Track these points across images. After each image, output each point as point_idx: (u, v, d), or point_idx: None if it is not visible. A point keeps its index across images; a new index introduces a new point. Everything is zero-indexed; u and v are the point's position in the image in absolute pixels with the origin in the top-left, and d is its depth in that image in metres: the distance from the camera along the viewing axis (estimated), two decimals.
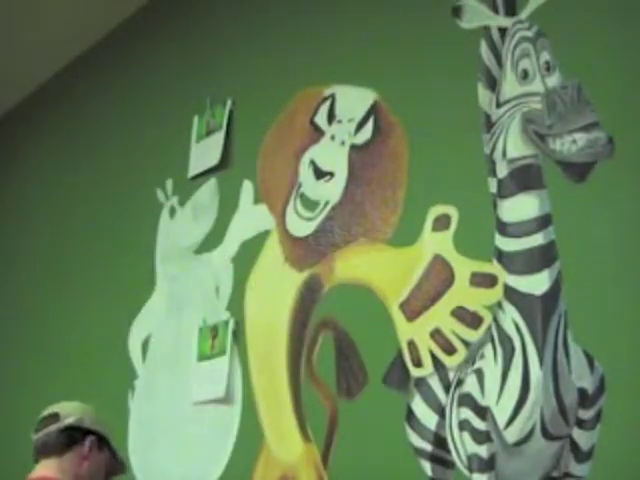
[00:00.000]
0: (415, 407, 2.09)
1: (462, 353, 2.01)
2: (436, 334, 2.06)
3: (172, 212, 2.99)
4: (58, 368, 3.51)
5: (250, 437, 2.50)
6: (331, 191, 2.39)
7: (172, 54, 3.23)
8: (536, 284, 1.89)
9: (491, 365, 1.95)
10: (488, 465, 1.91)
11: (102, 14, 3.42)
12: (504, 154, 2.00)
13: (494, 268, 1.97)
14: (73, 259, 3.52)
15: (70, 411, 2.15)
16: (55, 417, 2.13)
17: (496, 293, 1.96)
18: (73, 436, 2.11)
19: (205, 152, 2.89)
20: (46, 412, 2.17)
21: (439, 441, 2.03)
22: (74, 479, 2.07)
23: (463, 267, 2.04)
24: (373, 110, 2.33)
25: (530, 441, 1.85)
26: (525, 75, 1.99)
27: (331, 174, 2.40)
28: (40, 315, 3.73)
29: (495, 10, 2.10)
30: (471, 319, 2.00)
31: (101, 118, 3.57)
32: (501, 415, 1.90)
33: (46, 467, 2.10)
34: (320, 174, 2.44)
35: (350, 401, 2.26)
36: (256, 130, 2.71)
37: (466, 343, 2.00)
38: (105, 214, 3.39)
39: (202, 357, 2.64)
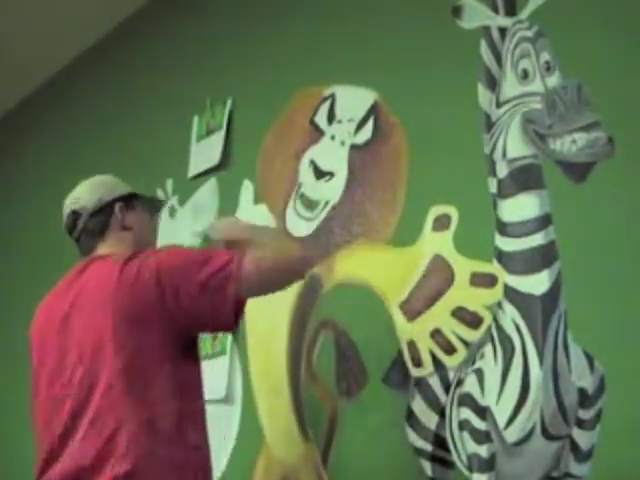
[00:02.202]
0: (415, 407, 2.09)
1: (462, 353, 2.01)
2: (436, 334, 2.06)
3: (172, 212, 2.99)
4: None
5: (250, 437, 2.50)
6: (331, 191, 2.39)
7: (172, 54, 3.23)
8: (536, 284, 1.89)
9: (491, 365, 1.95)
10: (488, 465, 1.91)
11: (102, 14, 3.42)
12: (504, 154, 2.00)
13: (494, 268, 1.97)
14: (74, 259, 3.52)
15: (86, 199, 1.96)
16: (76, 214, 1.97)
17: (496, 293, 1.96)
18: (101, 218, 1.95)
19: (205, 152, 2.89)
20: (65, 214, 2.00)
21: (439, 441, 2.03)
22: (125, 254, 1.83)
23: (463, 267, 2.04)
24: (373, 110, 2.33)
25: (530, 441, 1.86)
26: (525, 75, 1.99)
27: (331, 174, 2.40)
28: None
29: (495, 10, 2.10)
30: (471, 319, 2.00)
31: (101, 118, 3.57)
32: (501, 415, 1.90)
33: (98, 251, 1.93)
34: (320, 174, 2.44)
35: (350, 401, 2.26)
36: (256, 130, 2.71)
37: (466, 343, 2.00)
38: None
39: (202, 357, 2.64)
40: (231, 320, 1.74)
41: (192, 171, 2.93)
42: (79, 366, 1.77)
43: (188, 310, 1.73)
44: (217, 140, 2.85)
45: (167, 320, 1.73)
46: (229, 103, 2.88)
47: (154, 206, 2.13)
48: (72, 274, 1.93)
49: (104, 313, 1.75)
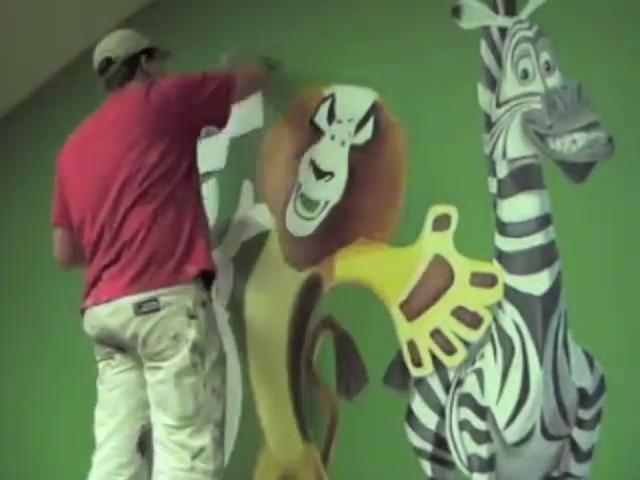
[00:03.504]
0: (415, 407, 2.09)
1: (462, 353, 2.01)
2: (436, 334, 2.06)
3: None
4: (58, 368, 3.52)
5: (250, 437, 2.50)
6: (331, 191, 2.39)
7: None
8: (536, 284, 1.89)
9: (491, 365, 1.95)
10: (488, 465, 1.91)
11: (102, 14, 3.42)
12: (504, 154, 2.00)
13: (494, 268, 1.97)
14: None
15: (118, 50, 2.40)
16: (110, 61, 2.40)
17: (496, 293, 1.96)
18: (131, 65, 2.39)
19: (207, 153, 2.88)
20: (98, 61, 2.43)
21: (439, 441, 2.03)
22: (145, 84, 2.32)
23: (463, 267, 2.04)
24: (373, 110, 2.33)
25: (530, 441, 1.86)
26: (525, 75, 1.99)
27: (331, 174, 2.40)
28: (38, 315, 3.73)
29: (495, 10, 2.10)
30: (471, 319, 2.00)
31: None
32: (501, 415, 1.90)
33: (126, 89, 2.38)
34: (320, 174, 2.44)
35: (350, 401, 2.26)
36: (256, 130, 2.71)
37: (466, 343, 2.00)
38: None
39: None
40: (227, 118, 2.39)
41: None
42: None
43: (199, 110, 2.29)
44: (217, 141, 2.84)
45: (184, 124, 2.27)
46: None
47: (166, 56, 2.55)
48: (105, 106, 2.38)
49: (137, 126, 2.22)
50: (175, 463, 2.00)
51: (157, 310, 2.04)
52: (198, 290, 2.11)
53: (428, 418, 2.06)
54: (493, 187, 2.02)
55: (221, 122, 2.42)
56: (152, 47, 2.46)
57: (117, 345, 2.15)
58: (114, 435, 2.15)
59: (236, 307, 2.63)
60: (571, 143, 1.86)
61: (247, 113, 2.75)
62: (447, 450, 2.01)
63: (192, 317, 2.06)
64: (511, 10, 2.06)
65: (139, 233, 2.11)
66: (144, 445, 2.15)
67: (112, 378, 2.19)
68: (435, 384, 2.06)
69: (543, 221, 1.91)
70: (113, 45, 2.42)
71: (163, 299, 2.04)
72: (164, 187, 2.17)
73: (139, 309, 2.04)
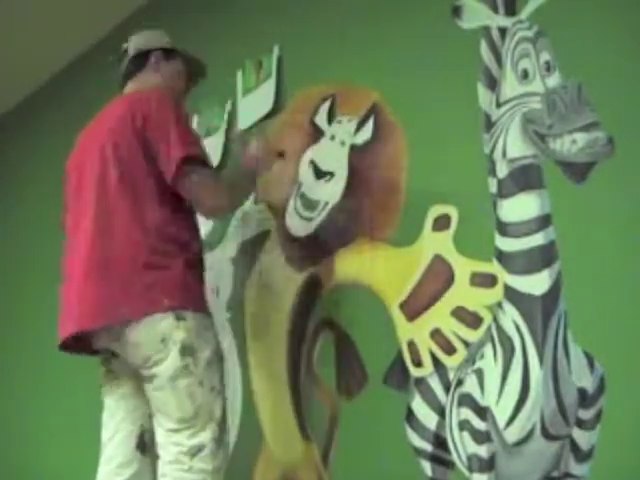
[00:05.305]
0: (415, 407, 2.09)
1: (462, 353, 2.01)
2: (436, 334, 2.06)
3: None
4: (57, 367, 3.52)
5: (250, 437, 2.50)
6: (331, 191, 2.39)
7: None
8: (536, 284, 1.89)
9: (491, 365, 1.95)
10: (488, 465, 1.91)
11: (102, 14, 3.42)
12: (504, 154, 2.00)
13: (494, 268, 1.97)
14: None
15: (136, 42, 2.35)
16: (125, 54, 2.34)
17: (496, 293, 1.96)
18: (138, 61, 2.32)
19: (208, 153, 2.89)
20: (118, 55, 2.36)
21: (439, 441, 2.03)
22: (155, 89, 2.23)
23: (463, 267, 2.04)
24: (373, 110, 2.33)
25: (530, 441, 1.86)
26: (525, 75, 1.99)
27: (331, 174, 2.40)
28: (40, 314, 3.74)
29: (495, 10, 2.10)
30: (471, 319, 2.00)
31: None
32: (501, 415, 1.90)
33: (128, 88, 2.31)
34: (320, 174, 2.43)
35: (350, 401, 2.26)
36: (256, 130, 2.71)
37: (466, 343, 2.00)
38: None
39: None
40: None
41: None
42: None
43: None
44: (217, 143, 2.85)
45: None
46: (229, 104, 2.89)
47: (196, 67, 2.44)
48: (109, 106, 2.26)
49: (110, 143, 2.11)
50: (174, 464, 1.99)
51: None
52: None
53: (428, 418, 2.06)
54: (493, 187, 2.02)
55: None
56: (172, 49, 2.37)
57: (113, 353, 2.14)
58: (114, 435, 2.15)
59: (236, 307, 2.63)
60: (571, 143, 1.86)
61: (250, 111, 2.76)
62: (447, 450, 2.01)
63: (180, 319, 2.01)
64: (511, 10, 2.06)
65: None
66: (144, 444, 2.14)
67: (112, 382, 2.19)
68: (435, 384, 2.06)
69: (543, 221, 1.91)
70: (133, 38, 2.38)
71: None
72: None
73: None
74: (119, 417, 2.15)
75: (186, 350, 2.00)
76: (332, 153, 2.40)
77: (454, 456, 2.00)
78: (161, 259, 2.02)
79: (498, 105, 2.04)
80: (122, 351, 2.06)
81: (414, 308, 2.12)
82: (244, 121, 2.81)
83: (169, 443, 2.01)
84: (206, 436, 2.00)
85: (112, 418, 2.17)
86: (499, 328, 1.95)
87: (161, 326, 1.98)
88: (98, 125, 2.23)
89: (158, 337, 1.99)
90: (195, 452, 1.98)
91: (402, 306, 2.14)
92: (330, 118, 2.45)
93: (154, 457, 2.09)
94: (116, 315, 1.98)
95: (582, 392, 1.80)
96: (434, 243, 2.11)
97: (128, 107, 2.14)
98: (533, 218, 1.92)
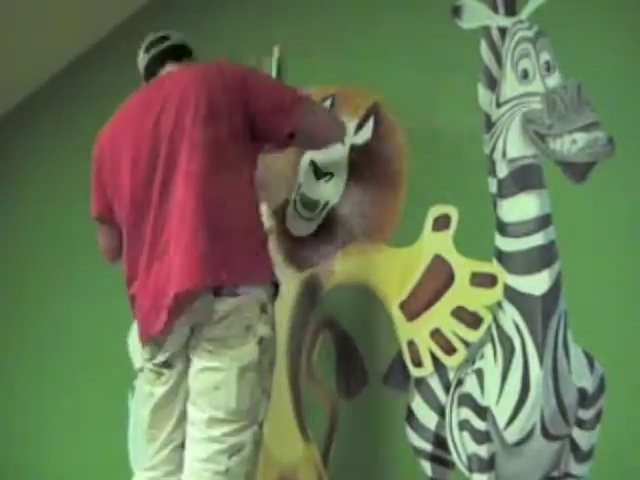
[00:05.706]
0: (415, 407, 2.09)
1: (462, 353, 2.01)
2: (436, 334, 2.06)
3: None
4: (57, 367, 3.52)
5: None
6: (331, 191, 2.39)
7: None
8: (536, 284, 1.89)
9: (491, 365, 1.95)
10: (488, 465, 1.91)
11: (102, 14, 3.42)
12: (504, 154, 2.00)
13: (494, 268, 1.97)
14: (74, 259, 3.52)
15: (177, 35, 2.30)
16: (166, 38, 2.28)
17: (496, 293, 1.96)
18: (184, 51, 2.28)
19: None
20: (151, 40, 2.30)
21: (439, 441, 2.03)
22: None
23: (463, 267, 2.04)
24: (373, 110, 2.33)
25: (530, 441, 1.86)
26: (525, 75, 1.99)
27: (331, 174, 2.40)
28: (40, 314, 3.74)
29: (495, 10, 2.10)
30: (471, 319, 2.00)
31: (102, 118, 3.57)
32: (501, 415, 1.90)
33: (171, 67, 2.23)
34: (320, 174, 2.44)
35: (350, 401, 2.26)
36: None
37: (466, 343, 2.00)
38: None
39: None
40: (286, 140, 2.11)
41: None
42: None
43: (260, 119, 2.04)
44: None
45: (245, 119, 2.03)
46: None
47: None
48: (147, 91, 2.18)
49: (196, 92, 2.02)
50: (208, 463, 1.84)
51: (235, 296, 1.91)
52: (269, 288, 2.03)
53: (428, 418, 2.06)
54: (493, 187, 2.02)
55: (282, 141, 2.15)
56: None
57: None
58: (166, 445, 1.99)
59: None
60: (571, 143, 1.86)
61: None
62: (447, 450, 2.01)
63: (264, 312, 1.94)
64: (511, 10, 2.07)
65: None
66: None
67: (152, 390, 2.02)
68: (435, 384, 2.06)
69: (543, 221, 1.91)
70: (167, 32, 2.33)
71: (241, 287, 1.92)
72: None
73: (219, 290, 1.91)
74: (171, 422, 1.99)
75: (262, 344, 1.91)
76: (332, 153, 2.40)
77: (454, 456, 2.00)
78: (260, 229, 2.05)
79: (498, 105, 2.04)
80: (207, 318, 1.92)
81: (414, 308, 2.12)
82: None
83: (205, 439, 1.85)
84: (248, 436, 1.87)
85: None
86: (499, 328, 1.95)
87: (259, 296, 1.94)
88: (152, 100, 2.10)
89: (245, 322, 1.90)
90: (234, 452, 1.84)
91: (402, 306, 2.15)
92: None
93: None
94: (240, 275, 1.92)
95: (582, 392, 1.80)
96: (434, 243, 2.11)
97: (206, 70, 2.08)
98: (533, 218, 1.92)
